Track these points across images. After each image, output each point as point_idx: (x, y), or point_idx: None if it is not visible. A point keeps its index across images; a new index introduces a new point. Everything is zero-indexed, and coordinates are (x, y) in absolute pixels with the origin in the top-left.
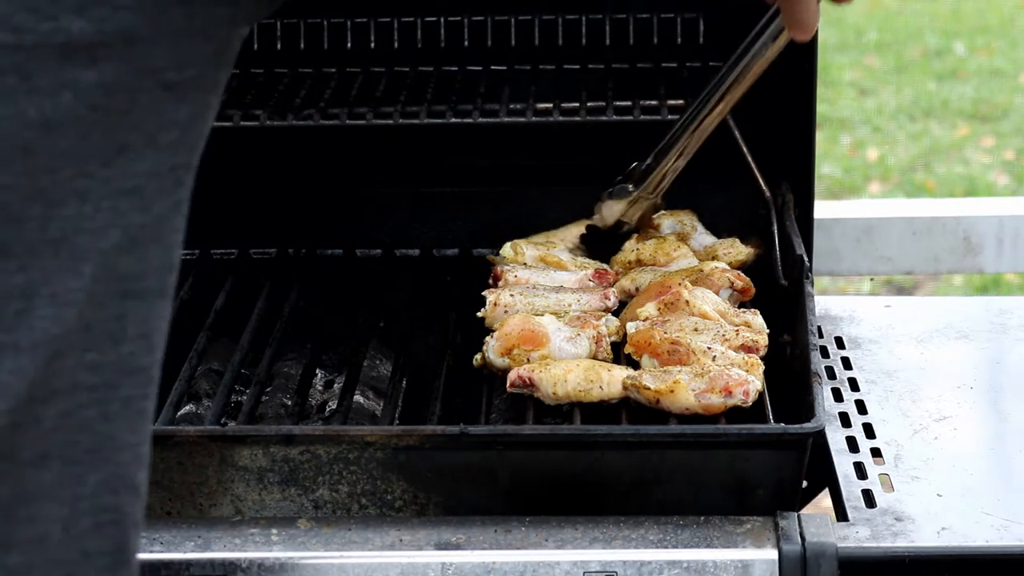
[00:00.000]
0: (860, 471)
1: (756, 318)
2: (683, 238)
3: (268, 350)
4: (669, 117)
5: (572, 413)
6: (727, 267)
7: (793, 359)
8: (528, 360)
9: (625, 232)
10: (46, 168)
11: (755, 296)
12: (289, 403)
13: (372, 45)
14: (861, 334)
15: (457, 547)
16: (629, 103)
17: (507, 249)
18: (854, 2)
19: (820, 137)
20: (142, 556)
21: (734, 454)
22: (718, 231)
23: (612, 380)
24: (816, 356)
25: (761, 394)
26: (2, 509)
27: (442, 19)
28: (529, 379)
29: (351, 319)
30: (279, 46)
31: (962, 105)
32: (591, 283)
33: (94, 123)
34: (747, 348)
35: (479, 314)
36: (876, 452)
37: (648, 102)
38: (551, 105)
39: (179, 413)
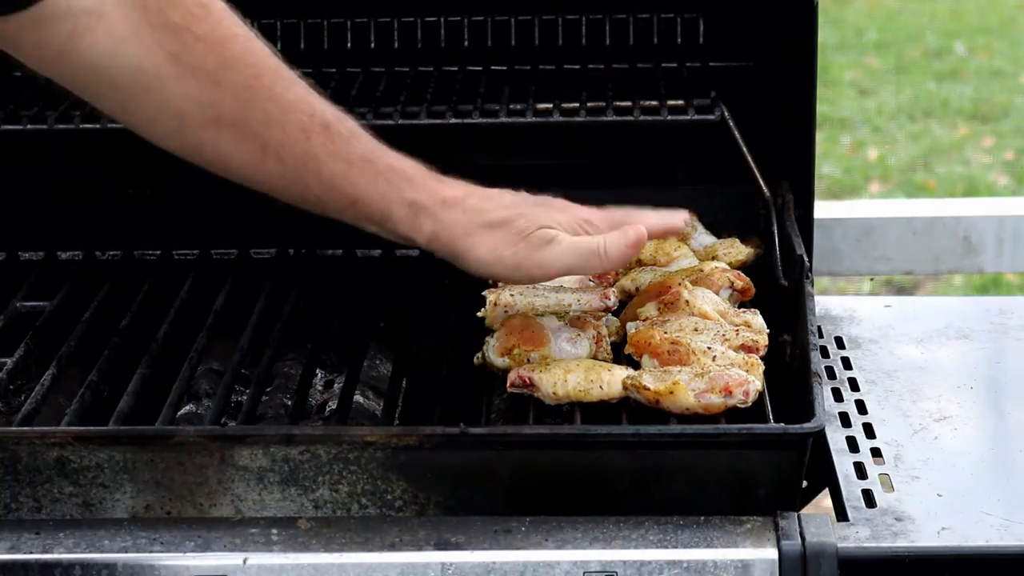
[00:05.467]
0: (860, 471)
1: (756, 318)
2: (683, 238)
3: (268, 350)
4: (669, 117)
5: (572, 413)
6: (727, 267)
7: (793, 359)
8: (528, 360)
9: None
10: None
11: (755, 296)
12: (289, 403)
13: (372, 45)
14: (861, 334)
15: (457, 547)
16: (629, 103)
17: None
18: (854, 2)
19: (820, 137)
20: (143, 556)
21: (734, 454)
22: (718, 231)
23: (612, 380)
24: (816, 356)
25: (761, 394)
26: None
27: (442, 19)
28: (529, 379)
29: (351, 319)
30: (279, 46)
31: (962, 105)
32: (591, 283)
33: None
34: (747, 348)
35: (479, 314)
36: (876, 452)
37: (648, 102)
38: (551, 105)
39: (179, 413)
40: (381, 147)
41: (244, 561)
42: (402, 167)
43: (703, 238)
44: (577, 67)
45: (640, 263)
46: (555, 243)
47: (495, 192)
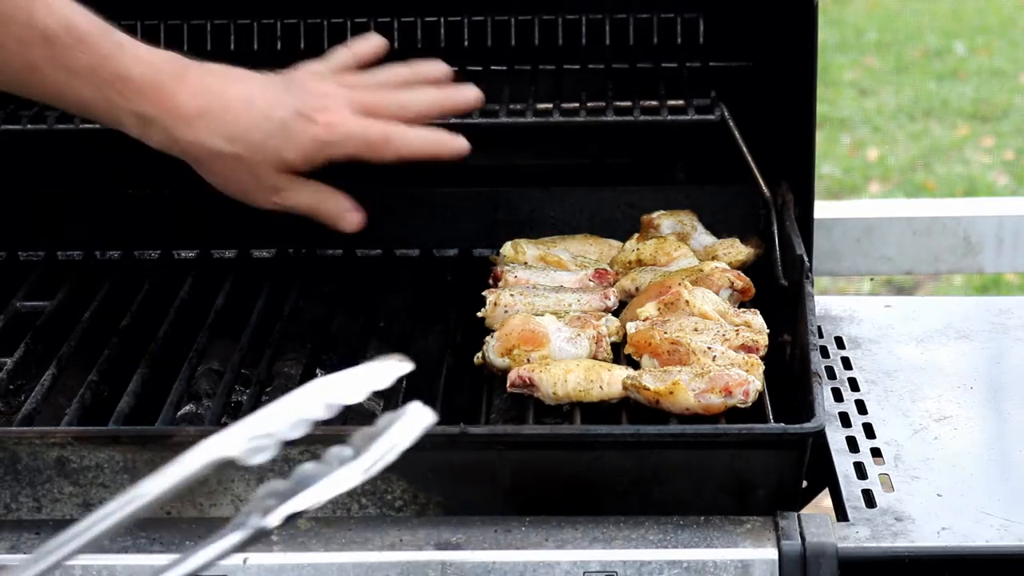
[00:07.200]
0: (860, 471)
1: (756, 318)
2: (683, 238)
3: (268, 350)
4: (669, 117)
5: (572, 413)
6: (727, 267)
7: (793, 359)
8: (528, 360)
9: None
10: None
11: (755, 296)
12: None
13: None
14: (861, 334)
15: (457, 547)
16: (629, 103)
17: (507, 248)
18: (854, 2)
19: (820, 137)
20: (143, 556)
21: (734, 454)
22: (718, 231)
23: (612, 380)
24: (816, 356)
25: (761, 394)
26: None
27: (442, 19)
28: (529, 379)
29: (351, 319)
30: (279, 46)
31: (962, 105)
32: (591, 283)
33: None
34: (747, 348)
35: (479, 314)
36: (876, 452)
37: (648, 102)
38: (551, 105)
39: (179, 413)
40: (114, 55)
41: (244, 561)
42: (132, 75)
43: (703, 238)
44: (577, 67)
45: (640, 263)
46: (293, 189)
47: (238, 105)
